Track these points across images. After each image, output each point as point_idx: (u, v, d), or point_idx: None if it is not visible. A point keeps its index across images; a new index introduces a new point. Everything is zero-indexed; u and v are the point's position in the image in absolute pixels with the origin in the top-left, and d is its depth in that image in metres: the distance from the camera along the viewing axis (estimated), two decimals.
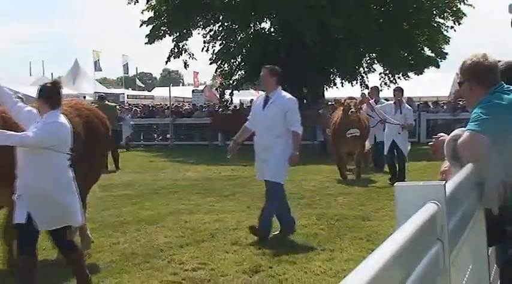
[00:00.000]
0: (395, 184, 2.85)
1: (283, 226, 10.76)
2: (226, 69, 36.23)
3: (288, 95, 10.95)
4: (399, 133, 16.82)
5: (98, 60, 60.92)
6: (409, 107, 17.73)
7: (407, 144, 17.33)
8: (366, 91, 27.10)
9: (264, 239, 10.18)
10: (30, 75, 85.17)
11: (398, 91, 18.77)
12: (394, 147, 16.93)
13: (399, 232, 2.17)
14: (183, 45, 36.02)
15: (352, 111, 17.45)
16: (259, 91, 43.65)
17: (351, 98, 18.37)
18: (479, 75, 4.69)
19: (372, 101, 18.72)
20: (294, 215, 11.22)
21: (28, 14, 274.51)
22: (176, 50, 36.00)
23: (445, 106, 35.12)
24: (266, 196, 10.74)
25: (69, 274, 8.32)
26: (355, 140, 17.84)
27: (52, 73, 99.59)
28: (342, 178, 17.91)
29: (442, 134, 4.74)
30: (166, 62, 37.31)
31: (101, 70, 63.36)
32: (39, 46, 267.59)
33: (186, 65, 36.94)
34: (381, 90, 35.25)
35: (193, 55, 36.44)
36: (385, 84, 35.90)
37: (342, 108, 18.20)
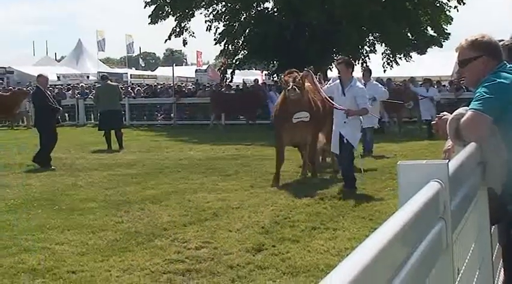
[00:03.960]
0: (398, 163, 2.85)
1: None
2: (230, 49, 36.21)
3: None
4: (344, 122, 12.73)
5: (102, 39, 60.89)
6: (360, 85, 13.30)
7: (359, 134, 13.34)
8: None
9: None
10: (34, 55, 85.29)
11: (367, 72, 18.95)
12: (340, 141, 12.91)
13: (402, 210, 2.18)
14: (184, 25, 36.01)
15: (289, 89, 13.49)
16: (264, 72, 43.74)
17: (290, 72, 14.12)
18: (495, 50, 4.69)
19: (317, 83, 13.99)
20: (297, 194, 11.27)
21: None
22: (178, 29, 35.99)
23: (447, 86, 35.09)
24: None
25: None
26: (303, 127, 13.94)
27: (55, 53, 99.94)
28: (273, 183, 13.56)
29: (445, 113, 4.74)
30: (166, 41, 37.31)
31: (103, 50, 63.33)
32: (42, 26, 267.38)
33: (184, 43, 36.97)
34: (384, 71, 35.37)
35: (193, 33, 36.47)
36: (388, 64, 35.90)
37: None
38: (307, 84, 13.83)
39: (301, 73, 13.65)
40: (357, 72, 20.03)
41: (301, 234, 9.21)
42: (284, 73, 14.58)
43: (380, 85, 19.69)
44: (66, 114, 34.82)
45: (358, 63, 35.31)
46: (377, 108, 18.72)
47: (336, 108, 12.86)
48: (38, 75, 19.68)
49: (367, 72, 19.50)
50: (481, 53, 4.72)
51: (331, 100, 12.97)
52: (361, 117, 13.02)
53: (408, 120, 28.12)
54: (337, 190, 12.75)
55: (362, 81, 16.83)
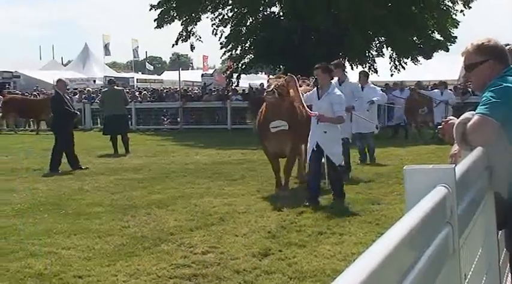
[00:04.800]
0: (404, 167, 2.85)
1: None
2: (237, 53, 36.24)
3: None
4: (325, 132, 11.91)
5: (108, 43, 61.00)
6: (338, 92, 12.23)
7: (339, 148, 12.42)
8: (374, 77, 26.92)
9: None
10: (40, 59, 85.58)
11: (363, 75, 18.31)
12: (319, 152, 12.03)
13: (409, 215, 2.17)
14: (191, 29, 36.08)
15: (268, 91, 12.60)
16: (270, 75, 43.77)
17: (278, 77, 13.46)
18: (501, 55, 4.69)
19: (302, 87, 13.58)
20: (303, 199, 11.28)
21: None
22: (184, 34, 36.07)
23: (453, 90, 35.06)
24: None
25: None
26: (281, 136, 12.86)
27: (62, 58, 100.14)
28: (276, 189, 13.12)
29: (451, 117, 4.74)
30: (173, 45, 37.39)
31: (109, 54, 63.45)
32: (49, 30, 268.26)
33: (192, 48, 37.08)
34: (392, 75, 35.34)
35: (200, 37, 36.55)
36: (396, 68, 35.88)
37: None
38: (293, 90, 12.90)
39: (285, 78, 13.01)
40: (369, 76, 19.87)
41: (307, 239, 9.20)
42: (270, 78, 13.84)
43: (378, 89, 19.10)
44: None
45: (365, 67, 35.33)
46: (375, 113, 18.29)
47: (309, 113, 12.12)
48: (58, 80, 19.91)
49: (364, 75, 18.60)
50: (487, 57, 4.71)
51: (306, 107, 12.24)
52: (338, 126, 12.27)
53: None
54: (343, 195, 12.72)
55: (359, 84, 16.59)
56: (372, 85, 18.25)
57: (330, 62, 14.14)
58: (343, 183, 12.54)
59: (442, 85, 25.72)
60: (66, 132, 17.88)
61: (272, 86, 12.50)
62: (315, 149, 12.00)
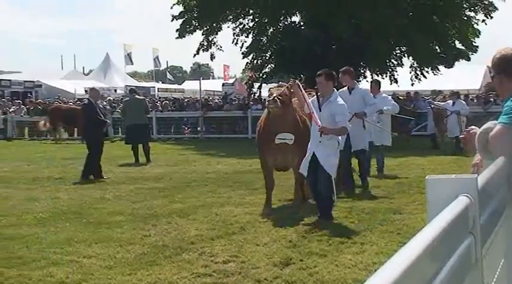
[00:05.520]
0: (426, 177, 2.84)
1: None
2: (258, 62, 36.23)
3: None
4: (320, 142, 11.08)
5: (129, 53, 61.23)
6: (341, 101, 11.44)
7: (335, 159, 11.41)
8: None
9: None
10: (62, 68, 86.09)
11: (375, 84, 17.53)
12: (315, 164, 11.19)
13: (431, 225, 2.17)
14: (212, 39, 36.15)
15: (270, 100, 11.91)
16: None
17: (280, 86, 12.89)
18: (508, 68, 4.66)
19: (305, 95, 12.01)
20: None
21: (59, 9, 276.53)
22: (205, 43, 36.13)
23: (475, 100, 34.93)
24: None
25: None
26: (286, 150, 12.10)
27: (83, 67, 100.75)
28: (264, 209, 12.17)
29: (473, 127, 4.72)
30: (195, 55, 37.49)
31: (132, 63, 63.72)
32: (70, 40, 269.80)
33: (212, 57, 37.13)
34: (412, 84, 35.23)
35: (221, 47, 36.61)
36: (416, 77, 35.74)
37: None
38: (295, 99, 12.13)
39: (287, 84, 12.32)
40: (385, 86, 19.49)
41: (328, 248, 9.18)
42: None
43: (390, 98, 18.09)
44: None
45: (386, 77, 35.24)
46: (388, 124, 17.30)
47: (316, 122, 11.07)
48: (90, 89, 20.16)
49: (375, 84, 17.57)
50: (496, 72, 4.72)
51: (315, 115, 11.13)
52: (339, 137, 11.45)
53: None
54: (364, 204, 12.70)
55: (370, 94, 15.58)
56: (384, 94, 17.54)
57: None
58: (332, 203, 11.44)
59: (454, 95, 25.03)
60: (99, 140, 18.08)
61: (274, 95, 11.77)
62: (311, 161, 11.21)
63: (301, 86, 12.02)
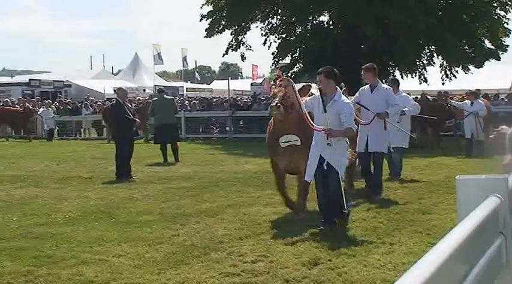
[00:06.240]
0: (456, 177, 2.82)
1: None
2: (287, 62, 36.20)
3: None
4: (329, 144, 10.36)
5: (158, 53, 61.39)
6: (346, 100, 10.85)
7: (345, 159, 10.84)
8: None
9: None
10: (91, 68, 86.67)
11: (394, 83, 16.54)
12: (322, 167, 10.52)
13: (461, 225, 2.15)
14: (241, 39, 36.19)
15: (272, 106, 11.17)
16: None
17: (279, 80, 11.88)
18: None
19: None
20: (351, 208, 11.21)
21: (89, 10, 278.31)
22: (235, 43, 36.19)
23: (506, 99, 34.61)
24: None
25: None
26: (294, 152, 11.55)
27: (112, 67, 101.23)
28: (286, 206, 12.11)
29: (503, 127, 4.68)
30: (224, 55, 37.58)
31: (161, 63, 63.89)
32: (99, 40, 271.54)
33: (243, 58, 37.18)
34: (443, 83, 35.02)
35: (250, 47, 36.62)
36: (447, 76, 35.52)
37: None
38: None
39: (280, 83, 11.55)
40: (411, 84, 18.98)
41: (357, 248, 9.14)
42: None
43: (410, 98, 17.62)
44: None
45: (415, 76, 35.08)
46: (407, 124, 16.62)
47: (315, 129, 10.44)
48: (118, 89, 20.16)
49: (394, 83, 16.52)
50: None
51: (310, 120, 10.51)
52: (346, 138, 10.79)
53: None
54: (393, 204, 12.65)
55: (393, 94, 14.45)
56: (404, 94, 16.91)
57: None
58: (347, 211, 10.93)
59: (473, 95, 23.41)
60: (129, 139, 18.14)
61: (277, 99, 11.07)
62: (318, 166, 10.54)
63: (294, 85, 11.42)
